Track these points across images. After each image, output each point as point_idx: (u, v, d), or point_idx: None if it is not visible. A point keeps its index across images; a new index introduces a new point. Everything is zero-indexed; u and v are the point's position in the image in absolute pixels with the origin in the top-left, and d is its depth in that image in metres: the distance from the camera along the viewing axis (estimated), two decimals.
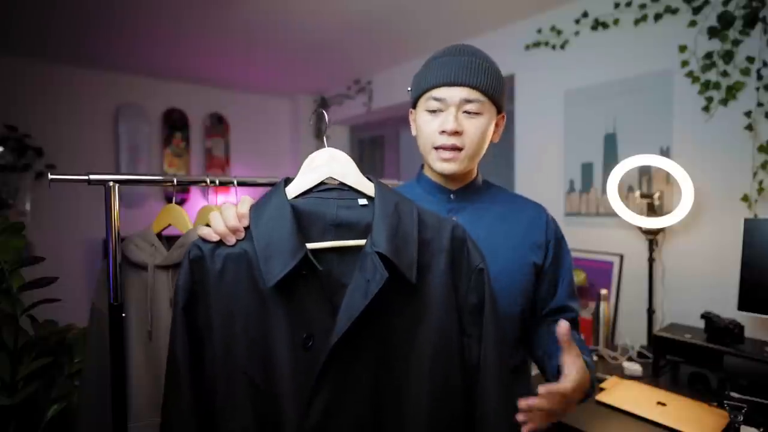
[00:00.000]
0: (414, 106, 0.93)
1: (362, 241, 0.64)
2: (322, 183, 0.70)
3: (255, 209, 0.67)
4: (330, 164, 0.70)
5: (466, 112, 0.84)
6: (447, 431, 0.65)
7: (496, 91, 0.86)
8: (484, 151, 0.91)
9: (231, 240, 0.66)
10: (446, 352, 0.65)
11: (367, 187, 0.70)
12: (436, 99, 0.85)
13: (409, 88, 0.93)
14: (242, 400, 0.64)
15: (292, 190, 0.69)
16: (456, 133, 0.84)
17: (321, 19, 2.38)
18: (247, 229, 0.66)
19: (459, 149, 0.85)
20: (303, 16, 2.34)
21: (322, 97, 3.88)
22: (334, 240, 0.66)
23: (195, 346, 0.65)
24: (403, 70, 3.01)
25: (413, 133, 0.94)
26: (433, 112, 0.86)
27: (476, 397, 0.66)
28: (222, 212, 0.67)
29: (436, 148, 0.86)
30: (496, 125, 0.92)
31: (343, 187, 0.70)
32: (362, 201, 0.70)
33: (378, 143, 3.90)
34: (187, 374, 0.64)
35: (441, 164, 0.87)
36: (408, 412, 0.63)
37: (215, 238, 0.66)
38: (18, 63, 2.85)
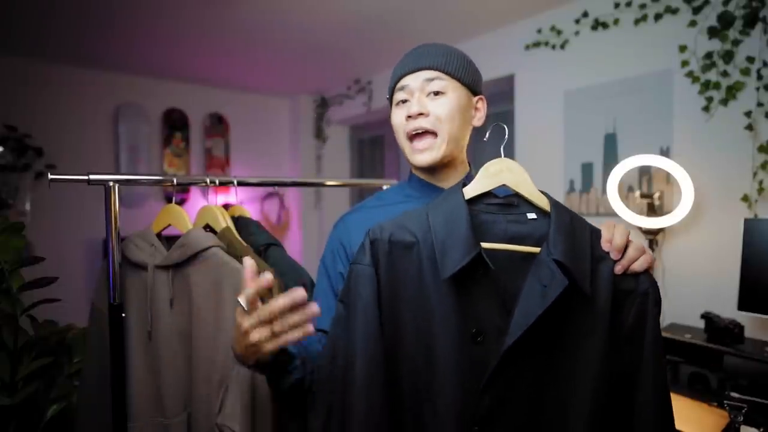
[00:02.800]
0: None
1: (535, 249, 0.66)
2: (491, 196, 0.72)
3: (433, 206, 0.71)
4: (505, 173, 0.72)
5: (430, 94, 0.83)
6: None
7: (461, 71, 0.85)
8: (465, 136, 0.88)
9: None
10: (608, 373, 0.65)
11: (539, 199, 0.72)
12: (401, 89, 0.85)
13: (387, 97, 0.93)
14: (402, 380, 0.67)
15: (468, 192, 0.72)
16: (421, 115, 0.82)
17: (321, 19, 2.38)
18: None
19: (431, 132, 0.83)
20: (302, 16, 2.34)
21: (322, 97, 3.88)
22: (506, 251, 0.68)
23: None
24: None
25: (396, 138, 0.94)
26: (401, 102, 0.86)
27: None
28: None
29: (410, 139, 0.85)
30: (476, 109, 0.90)
31: (513, 201, 0.72)
32: (531, 215, 0.71)
33: (378, 143, 3.90)
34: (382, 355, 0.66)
35: (417, 156, 0.85)
36: (568, 426, 0.64)
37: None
38: (18, 63, 2.85)
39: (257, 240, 1.13)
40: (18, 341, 1.20)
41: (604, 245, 0.67)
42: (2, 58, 2.79)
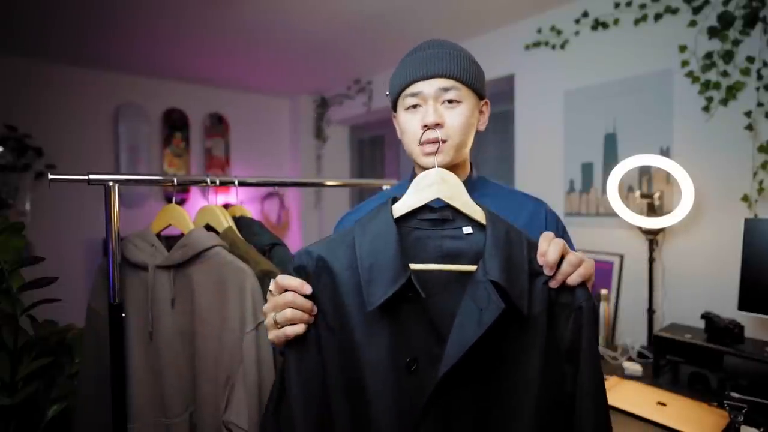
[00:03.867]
0: (395, 109, 0.92)
1: (471, 267, 0.63)
2: (426, 210, 0.69)
3: (360, 226, 0.66)
4: (439, 185, 0.69)
5: (445, 102, 0.83)
6: None
7: (473, 78, 0.85)
8: (470, 140, 0.89)
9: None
10: (549, 390, 0.63)
11: (475, 211, 0.68)
12: (413, 94, 0.84)
13: (387, 93, 0.93)
14: (338, 414, 0.64)
15: (398, 209, 0.68)
16: (438, 125, 0.82)
17: (321, 19, 2.38)
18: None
19: (443, 141, 0.83)
20: (303, 16, 2.34)
21: (322, 97, 3.87)
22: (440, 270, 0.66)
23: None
24: None
25: (399, 136, 0.93)
26: (412, 108, 0.85)
27: None
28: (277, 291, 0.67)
29: (421, 144, 0.85)
30: (481, 113, 0.90)
31: (447, 215, 0.69)
32: (467, 230, 0.68)
33: (378, 143, 3.90)
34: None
35: (426, 159, 0.85)
36: None
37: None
38: (18, 63, 2.85)
39: (261, 240, 1.13)
40: (18, 341, 1.20)
41: (539, 259, 0.64)
42: (2, 58, 2.79)
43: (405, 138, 0.88)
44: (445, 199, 0.68)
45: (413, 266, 0.61)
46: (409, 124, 0.85)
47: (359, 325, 0.63)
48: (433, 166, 0.85)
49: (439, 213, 0.69)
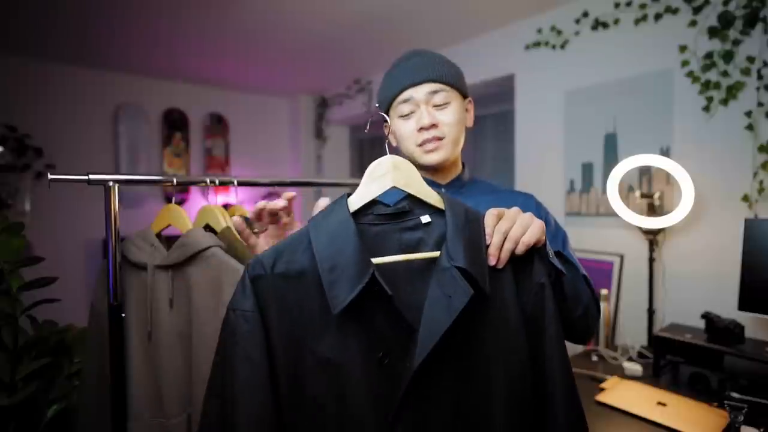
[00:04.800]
0: (385, 120, 0.96)
1: (435, 254, 0.62)
2: (381, 205, 0.68)
3: (314, 226, 0.64)
4: (393, 173, 0.67)
5: (435, 105, 0.89)
6: None
7: (456, 79, 0.92)
8: (463, 137, 0.95)
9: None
10: (520, 368, 0.63)
11: (432, 197, 0.68)
12: (404, 101, 0.90)
13: (377, 104, 0.97)
14: (314, 427, 0.61)
15: (354, 202, 0.66)
16: (433, 126, 0.88)
17: (321, 19, 2.38)
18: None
19: (440, 139, 0.89)
20: (303, 16, 2.34)
21: (322, 97, 3.87)
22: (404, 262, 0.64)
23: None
24: None
25: (393, 144, 0.97)
26: (405, 116, 0.91)
27: (547, 422, 0.63)
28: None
29: (420, 145, 0.90)
30: (466, 110, 0.97)
31: (404, 207, 0.67)
32: (425, 218, 0.67)
33: (378, 143, 3.90)
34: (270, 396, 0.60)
35: (427, 156, 0.91)
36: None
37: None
38: (18, 63, 2.85)
39: None
40: (18, 341, 1.20)
41: (487, 239, 0.64)
42: (2, 58, 2.79)
43: (402, 143, 0.93)
44: (400, 187, 0.67)
45: (375, 260, 0.60)
46: (405, 129, 0.91)
47: (326, 327, 0.60)
48: (433, 164, 0.90)
49: (394, 208, 0.68)
